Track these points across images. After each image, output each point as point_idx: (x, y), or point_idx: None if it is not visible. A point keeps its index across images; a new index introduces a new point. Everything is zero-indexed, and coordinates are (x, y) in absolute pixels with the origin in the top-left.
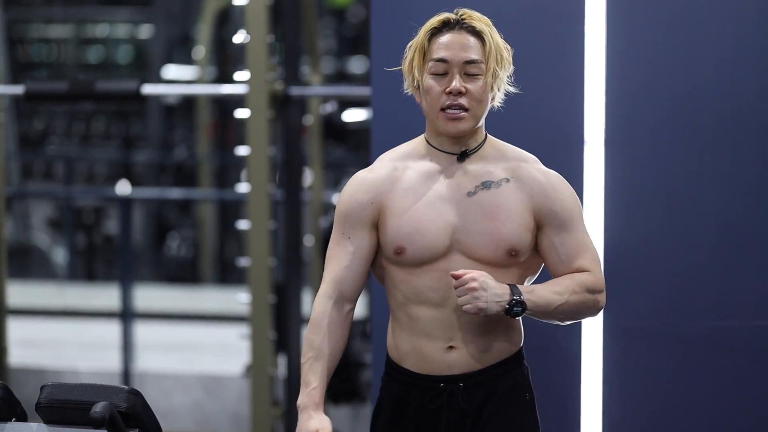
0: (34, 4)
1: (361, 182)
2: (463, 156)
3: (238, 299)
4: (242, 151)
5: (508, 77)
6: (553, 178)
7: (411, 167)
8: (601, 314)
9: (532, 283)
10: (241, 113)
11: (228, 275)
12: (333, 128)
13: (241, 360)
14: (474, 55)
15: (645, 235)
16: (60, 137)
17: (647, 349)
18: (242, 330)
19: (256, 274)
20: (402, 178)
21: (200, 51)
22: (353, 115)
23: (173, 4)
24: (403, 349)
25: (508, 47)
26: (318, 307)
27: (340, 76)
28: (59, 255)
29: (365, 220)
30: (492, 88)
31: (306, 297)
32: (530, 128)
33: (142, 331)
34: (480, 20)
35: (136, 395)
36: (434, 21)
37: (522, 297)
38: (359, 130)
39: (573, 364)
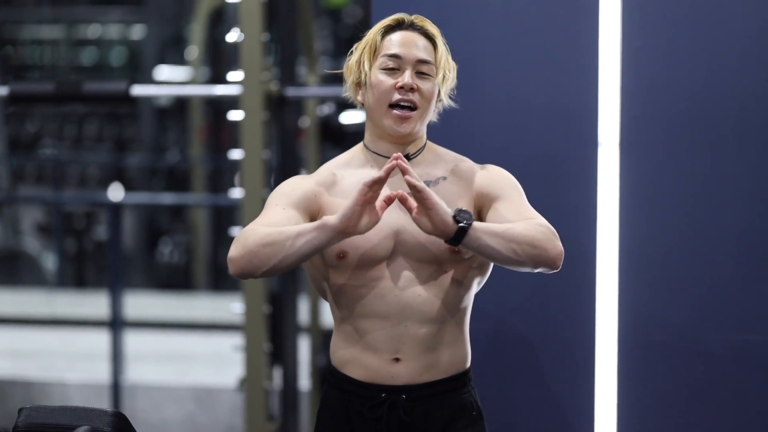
0: (23, 4)
1: (303, 178)
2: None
3: (232, 309)
4: (236, 154)
5: (450, 91)
6: (490, 166)
7: (350, 174)
8: (615, 326)
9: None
10: (235, 115)
11: (222, 282)
12: (330, 130)
13: (235, 371)
14: (427, 56)
15: (663, 243)
16: (52, 140)
17: (665, 364)
18: (236, 339)
19: (251, 283)
20: (341, 183)
21: (193, 51)
22: (351, 117)
23: (166, 3)
24: (345, 356)
25: (454, 63)
26: (259, 229)
27: (337, 78)
28: (49, 261)
29: (303, 204)
30: (439, 93)
31: (302, 306)
32: (543, 130)
33: (134, 340)
34: (433, 26)
35: (120, 418)
36: (388, 19)
37: (466, 211)
38: (357, 132)
39: (587, 378)
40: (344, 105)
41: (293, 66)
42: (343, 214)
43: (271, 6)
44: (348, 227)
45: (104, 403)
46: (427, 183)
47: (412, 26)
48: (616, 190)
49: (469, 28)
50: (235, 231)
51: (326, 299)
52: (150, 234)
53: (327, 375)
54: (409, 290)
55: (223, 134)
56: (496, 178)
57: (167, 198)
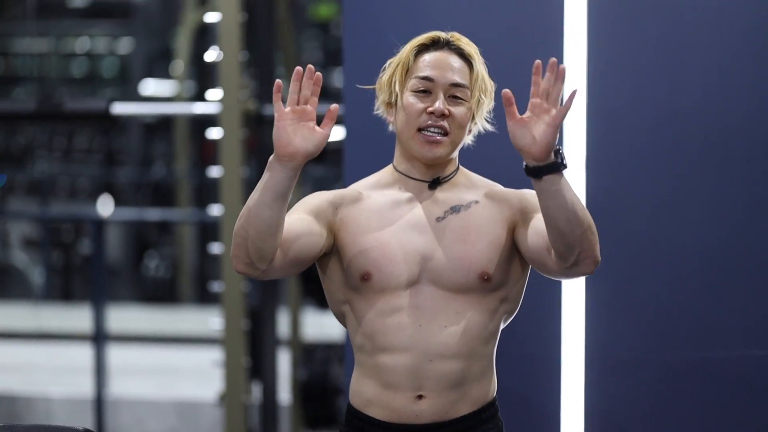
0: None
1: (328, 192)
2: (434, 183)
3: (211, 324)
4: (215, 171)
5: (487, 113)
6: (527, 190)
7: (377, 194)
8: (582, 344)
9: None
10: (214, 133)
11: (208, 296)
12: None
13: (217, 385)
14: (461, 79)
15: (627, 263)
16: (42, 152)
17: (630, 381)
18: (217, 354)
19: (230, 298)
20: (366, 201)
21: (179, 66)
22: (332, 135)
23: (153, 17)
24: (367, 396)
25: (492, 82)
26: None
27: (323, 92)
28: (37, 275)
29: (319, 211)
30: (473, 117)
31: (282, 320)
32: (509, 150)
33: (119, 354)
34: (469, 45)
35: None
36: (423, 37)
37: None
38: (338, 149)
39: (553, 395)
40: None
41: (272, 84)
42: (273, 137)
43: (249, 25)
44: (280, 147)
45: (87, 418)
46: (459, 207)
47: (447, 45)
48: (583, 194)
49: None
50: (216, 248)
51: (345, 326)
52: (137, 247)
53: (346, 415)
54: (434, 322)
55: (209, 149)
56: (528, 194)
57: (152, 214)
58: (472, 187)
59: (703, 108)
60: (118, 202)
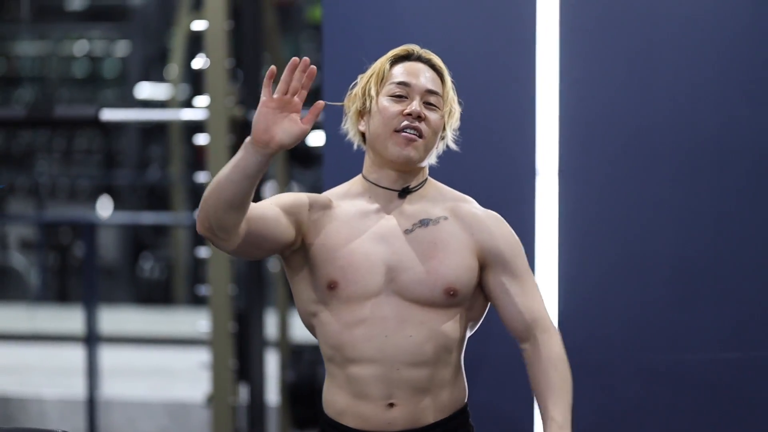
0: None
1: (303, 193)
2: (404, 193)
3: (199, 327)
4: (202, 177)
5: (454, 132)
6: (493, 216)
7: (347, 203)
8: None
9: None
10: (201, 139)
11: (202, 298)
12: (297, 152)
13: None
14: (436, 87)
15: (600, 268)
16: (42, 154)
17: (603, 383)
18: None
19: (217, 301)
20: (337, 211)
21: (173, 70)
22: (319, 140)
23: (151, 20)
24: (340, 406)
25: (458, 106)
26: None
27: (314, 95)
28: (40, 276)
29: (290, 207)
30: (444, 127)
31: (270, 321)
32: (482, 159)
33: (112, 355)
34: (440, 61)
35: None
36: (397, 50)
37: None
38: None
39: (528, 398)
40: (312, 128)
41: (257, 90)
42: (253, 121)
43: (236, 32)
44: (257, 132)
45: (80, 418)
46: (428, 221)
47: (419, 58)
48: (555, 217)
49: None
50: (202, 251)
51: (315, 336)
52: (132, 249)
53: (321, 424)
54: (400, 332)
55: (203, 153)
56: (500, 236)
57: (147, 217)
58: (440, 200)
59: (674, 120)
60: (118, 202)
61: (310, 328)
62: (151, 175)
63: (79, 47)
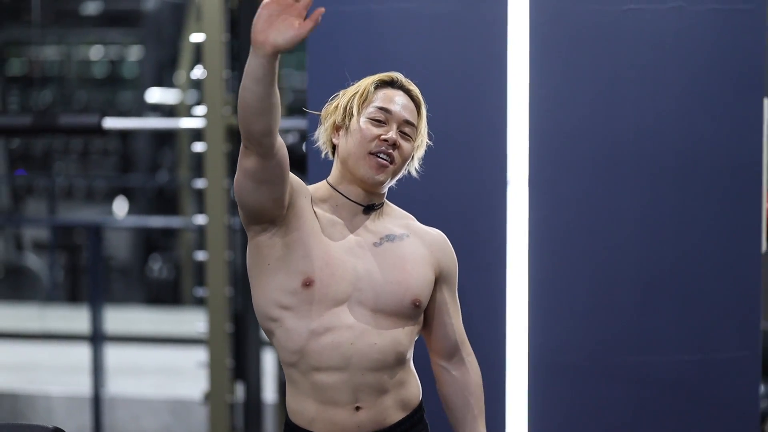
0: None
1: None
2: (369, 209)
3: (196, 327)
4: (200, 183)
5: (418, 160)
6: (443, 235)
7: (318, 207)
8: (525, 349)
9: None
10: (199, 146)
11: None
12: (294, 159)
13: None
14: (412, 119)
15: (568, 273)
16: (59, 153)
17: (572, 383)
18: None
19: (214, 303)
20: (317, 209)
21: (181, 76)
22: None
23: (163, 25)
24: (309, 415)
25: (430, 134)
26: None
27: (300, 110)
28: (51, 276)
29: (295, 186)
30: (412, 156)
31: None
32: (454, 169)
33: (121, 353)
34: (419, 93)
35: None
36: (383, 75)
37: None
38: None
39: (498, 397)
40: (307, 134)
41: None
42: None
43: (233, 41)
44: (254, 33)
45: (86, 416)
46: (393, 236)
47: (402, 87)
48: (526, 225)
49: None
50: (201, 255)
51: (271, 342)
52: (144, 249)
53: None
54: (365, 340)
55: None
56: (450, 256)
57: (155, 221)
58: (398, 218)
59: (639, 132)
60: (131, 205)
61: (269, 333)
62: (161, 178)
63: (95, 51)
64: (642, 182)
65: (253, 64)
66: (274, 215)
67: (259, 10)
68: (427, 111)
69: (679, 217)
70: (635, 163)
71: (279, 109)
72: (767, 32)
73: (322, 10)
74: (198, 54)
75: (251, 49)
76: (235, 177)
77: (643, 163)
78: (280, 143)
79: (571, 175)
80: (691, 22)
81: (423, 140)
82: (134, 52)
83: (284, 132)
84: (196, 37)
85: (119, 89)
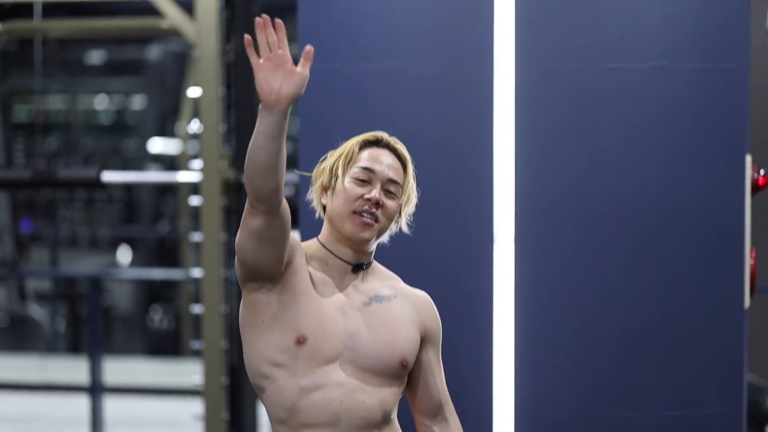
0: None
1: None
2: (357, 268)
3: (192, 379)
4: (196, 236)
5: (408, 217)
6: (428, 297)
7: (311, 266)
8: (511, 404)
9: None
10: (195, 200)
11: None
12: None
13: None
14: (396, 177)
15: (554, 330)
16: (64, 202)
17: None
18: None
19: (210, 356)
20: (309, 268)
21: (183, 127)
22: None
23: (166, 75)
24: None
25: (417, 192)
26: None
27: (295, 164)
28: (52, 326)
29: (293, 244)
30: (399, 213)
31: None
32: (441, 227)
33: (120, 404)
34: (405, 151)
35: None
36: (368, 134)
37: None
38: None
39: None
40: (301, 188)
41: None
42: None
43: (228, 96)
44: (264, 95)
45: None
46: (381, 297)
47: (387, 146)
48: (512, 282)
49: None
50: (197, 308)
51: (261, 398)
52: (145, 299)
53: None
54: (354, 398)
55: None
56: (435, 317)
57: (156, 273)
58: (385, 279)
59: (622, 193)
60: (134, 254)
61: (260, 389)
62: (163, 229)
63: (99, 100)
64: (627, 240)
65: (266, 124)
66: (273, 273)
67: (256, 76)
68: (415, 168)
69: (664, 273)
70: (620, 220)
71: (285, 164)
72: (750, 91)
73: (311, 47)
74: (196, 107)
75: (262, 112)
76: (238, 236)
77: (627, 220)
78: (285, 201)
79: (557, 233)
80: (674, 81)
81: (411, 197)
82: (137, 101)
83: None
84: (194, 92)
85: (123, 137)
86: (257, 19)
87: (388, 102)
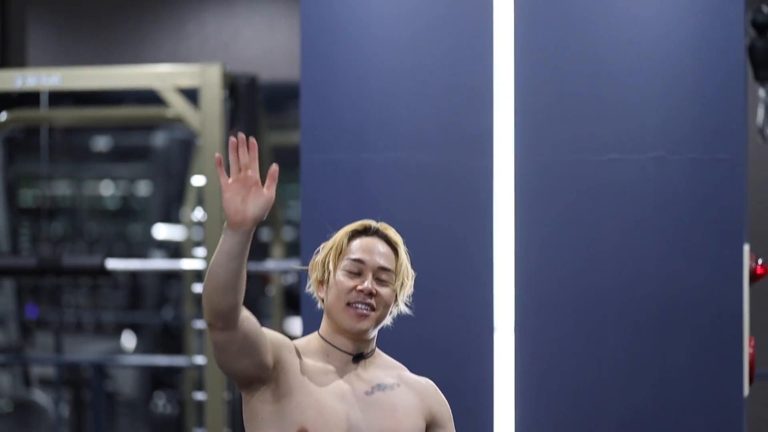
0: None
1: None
2: (358, 358)
3: None
4: (199, 324)
5: (407, 297)
6: (433, 384)
7: (308, 359)
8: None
9: None
10: (198, 287)
11: None
12: (294, 299)
13: None
14: (388, 264)
15: (554, 418)
16: (69, 287)
17: None
18: None
19: (213, 414)
20: (305, 362)
21: (187, 212)
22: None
23: (172, 161)
24: None
25: (413, 272)
26: None
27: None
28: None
29: (277, 347)
30: (396, 299)
31: None
32: (442, 315)
33: None
34: (396, 235)
35: None
36: (356, 224)
37: None
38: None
39: None
40: (303, 280)
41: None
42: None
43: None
44: (230, 215)
45: None
46: (384, 386)
47: (377, 233)
48: (512, 369)
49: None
50: (200, 395)
51: None
52: (149, 385)
53: None
54: None
55: None
56: (443, 404)
57: (159, 360)
58: (389, 367)
59: (621, 280)
60: (139, 339)
61: None
62: (167, 314)
63: (105, 185)
64: (625, 328)
65: (229, 242)
66: (262, 377)
67: (224, 195)
68: (414, 258)
69: (663, 363)
70: (619, 309)
71: (245, 283)
72: (748, 180)
73: (275, 167)
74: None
75: (227, 231)
76: (212, 353)
77: (626, 309)
78: (245, 315)
79: (556, 321)
80: (672, 172)
81: (406, 280)
82: (143, 187)
83: (283, 272)
84: (198, 180)
85: (128, 222)
86: (231, 138)
87: (390, 192)
